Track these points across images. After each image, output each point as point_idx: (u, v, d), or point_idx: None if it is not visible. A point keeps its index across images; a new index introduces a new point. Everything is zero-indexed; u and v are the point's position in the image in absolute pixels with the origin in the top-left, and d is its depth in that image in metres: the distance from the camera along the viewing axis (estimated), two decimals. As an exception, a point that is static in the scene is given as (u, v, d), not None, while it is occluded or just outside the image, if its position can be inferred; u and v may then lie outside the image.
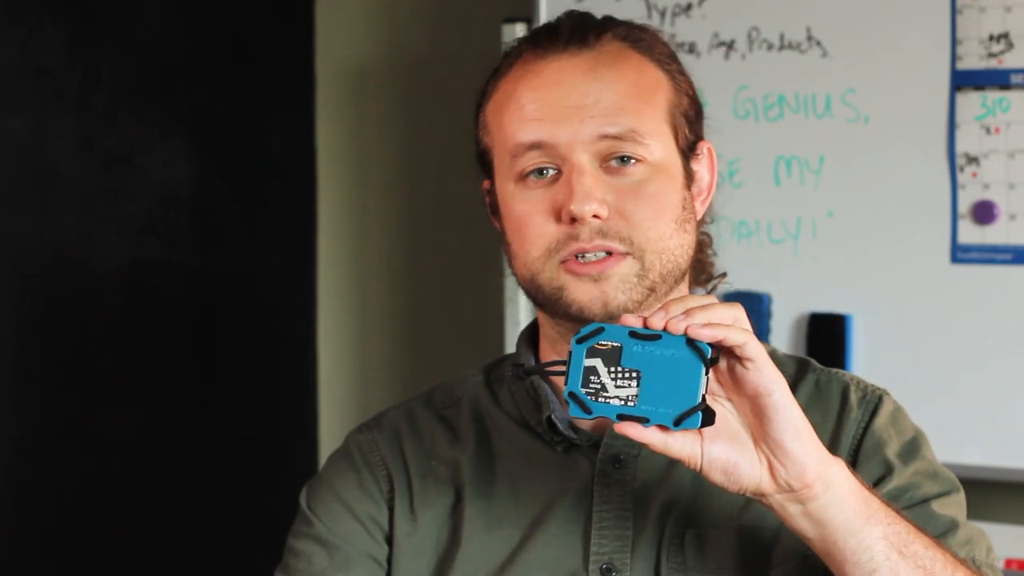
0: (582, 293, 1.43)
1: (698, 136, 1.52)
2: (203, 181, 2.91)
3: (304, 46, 3.14)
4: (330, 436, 3.12)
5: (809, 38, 2.53)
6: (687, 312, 1.27)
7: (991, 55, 2.40)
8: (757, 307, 2.55)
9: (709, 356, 1.26)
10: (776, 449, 1.28)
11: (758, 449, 1.29)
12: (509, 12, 2.73)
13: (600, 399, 1.28)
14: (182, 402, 2.89)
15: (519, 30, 2.64)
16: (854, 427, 1.49)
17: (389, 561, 1.51)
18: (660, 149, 1.46)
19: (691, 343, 1.26)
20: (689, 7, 2.62)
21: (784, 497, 1.30)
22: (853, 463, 1.46)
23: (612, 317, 1.40)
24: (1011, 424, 2.41)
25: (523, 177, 1.46)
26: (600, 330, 1.29)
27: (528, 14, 2.69)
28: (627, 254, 1.43)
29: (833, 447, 1.47)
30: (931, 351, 2.46)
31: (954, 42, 2.43)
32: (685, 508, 1.45)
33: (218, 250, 2.95)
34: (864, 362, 2.48)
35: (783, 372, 1.51)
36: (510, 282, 1.53)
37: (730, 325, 1.27)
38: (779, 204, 2.55)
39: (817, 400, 1.51)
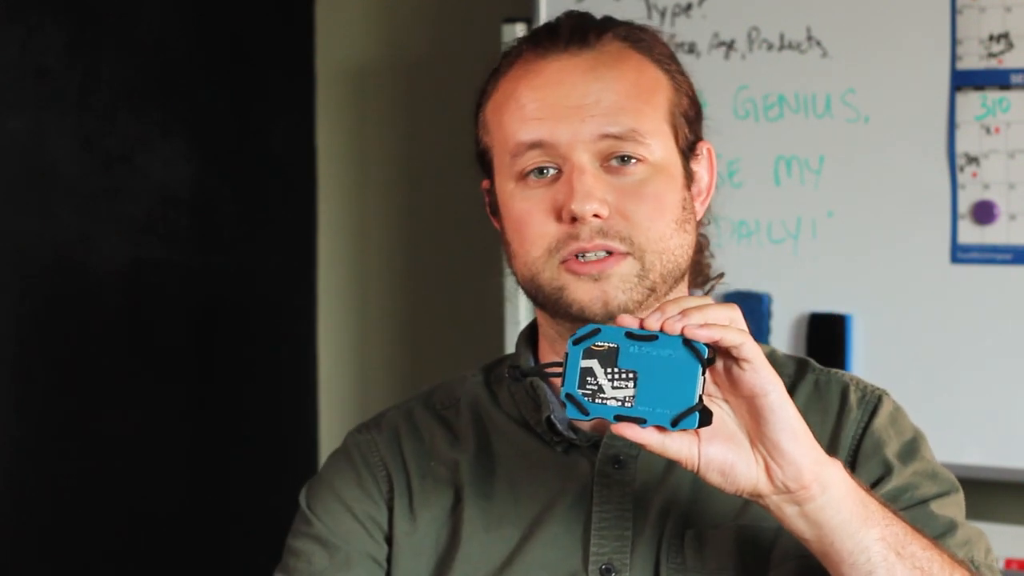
0: (582, 293, 1.44)
1: (698, 136, 1.52)
2: (203, 181, 2.91)
3: (304, 46, 3.14)
4: (330, 436, 3.12)
5: (809, 38, 2.53)
6: (683, 313, 1.27)
7: (991, 55, 2.40)
8: (757, 307, 2.55)
9: (706, 356, 1.26)
10: (772, 450, 1.28)
11: (755, 450, 1.29)
12: (509, 12, 2.73)
13: (597, 400, 1.28)
14: (182, 402, 2.89)
15: (519, 30, 2.64)
16: (853, 427, 1.48)
17: (388, 561, 1.51)
18: (660, 149, 1.46)
19: (687, 343, 1.26)
20: (689, 7, 2.62)
21: (781, 498, 1.30)
22: (852, 463, 1.46)
23: (612, 317, 1.40)
24: (1011, 424, 2.41)
25: (523, 176, 1.46)
26: (596, 331, 1.29)
27: (528, 14, 2.69)
28: (627, 254, 1.43)
29: (832, 447, 1.47)
30: (931, 351, 2.46)
31: (954, 42, 2.43)
32: (684, 508, 1.45)
33: (218, 250, 2.95)
34: (864, 362, 2.48)
35: (782, 372, 1.51)
36: (510, 282, 1.53)
37: (727, 326, 1.27)
38: (779, 204, 2.55)
39: (816, 400, 1.51)
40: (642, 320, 1.28)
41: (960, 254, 2.44)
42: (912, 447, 1.48)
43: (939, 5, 2.43)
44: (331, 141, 3.16)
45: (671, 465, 1.45)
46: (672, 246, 1.45)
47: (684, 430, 1.27)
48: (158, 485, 2.82)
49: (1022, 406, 2.40)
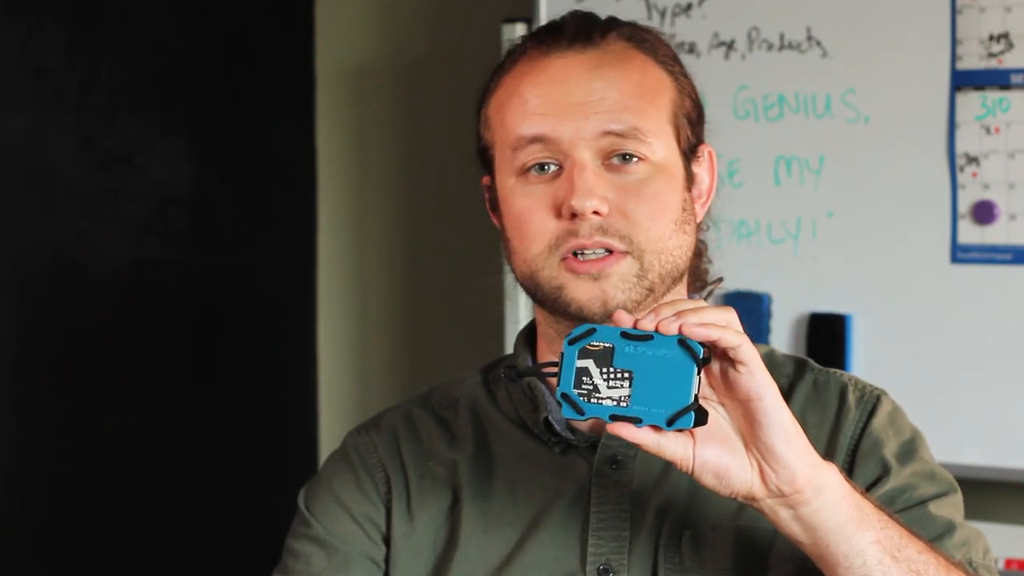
0: (581, 292, 1.44)
1: (699, 139, 1.52)
2: (203, 181, 2.91)
3: (304, 46, 3.14)
4: (330, 436, 3.12)
5: (809, 38, 2.53)
6: (679, 314, 1.27)
7: (991, 55, 2.40)
8: (757, 307, 2.55)
9: (701, 356, 1.26)
10: (767, 453, 1.28)
11: (749, 454, 1.29)
12: (509, 12, 2.73)
13: (593, 400, 1.28)
14: (182, 402, 2.89)
15: (519, 30, 2.64)
16: (852, 427, 1.48)
17: (387, 562, 1.51)
18: (662, 149, 1.46)
19: (683, 343, 1.26)
20: (689, 7, 2.62)
21: (775, 501, 1.30)
22: (851, 463, 1.46)
23: (611, 316, 1.40)
24: (1011, 424, 2.41)
25: (524, 172, 1.46)
26: (592, 331, 1.29)
27: (528, 14, 2.69)
28: (627, 253, 1.43)
29: (831, 447, 1.47)
30: (931, 351, 2.46)
31: (954, 42, 2.43)
32: (682, 509, 1.45)
33: (218, 250, 2.95)
34: (864, 362, 2.48)
35: (781, 372, 1.52)
36: (509, 279, 1.53)
37: (724, 327, 1.27)
38: (779, 204, 2.55)
39: (815, 400, 1.51)
40: (637, 320, 1.28)
41: (960, 254, 2.44)
42: (910, 447, 1.48)
43: (939, 5, 2.43)
44: (331, 141, 3.16)
45: (669, 466, 1.44)
46: (671, 246, 1.45)
47: (680, 430, 1.27)
48: (158, 485, 2.82)
49: (1022, 406, 2.40)
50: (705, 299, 1.55)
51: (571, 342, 1.29)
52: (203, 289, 2.93)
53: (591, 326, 1.29)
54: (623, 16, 1.54)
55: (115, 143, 2.76)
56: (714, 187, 1.54)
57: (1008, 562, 2.43)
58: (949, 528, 1.43)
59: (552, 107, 1.45)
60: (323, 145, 3.16)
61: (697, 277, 1.55)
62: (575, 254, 1.43)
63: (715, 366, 1.29)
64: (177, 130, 2.87)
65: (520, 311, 2.59)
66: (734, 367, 1.27)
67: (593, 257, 1.43)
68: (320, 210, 3.16)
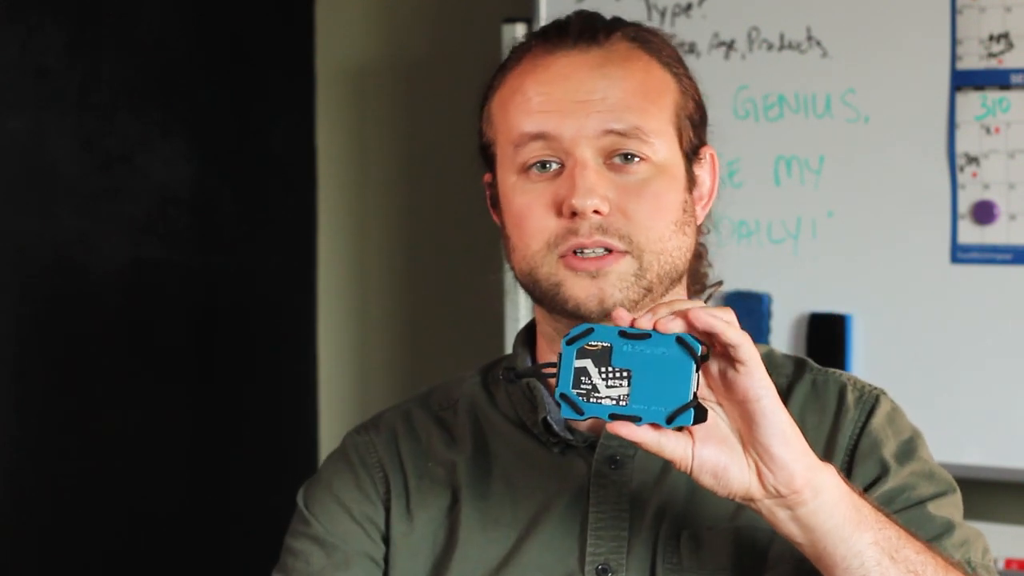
0: (579, 289, 1.44)
1: (702, 141, 1.52)
2: (203, 181, 2.91)
3: (304, 46, 3.14)
4: (330, 436, 3.12)
5: (809, 38, 2.53)
6: (677, 312, 1.27)
7: (991, 55, 2.40)
8: (757, 307, 2.55)
9: (699, 353, 1.26)
10: (764, 454, 1.28)
11: (747, 454, 1.29)
12: (509, 12, 2.73)
13: (592, 399, 1.28)
14: (182, 402, 2.89)
15: (519, 30, 2.64)
16: (851, 427, 1.48)
17: (386, 561, 1.51)
18: (664, 150, 1.46)
19: (681, 341, 1.26)
20: (689, 7, 2.62)
21: (772, 502, 1.30)
22: (849, 463, 1.46)
23: (608, 315, 1.40)
24: (1011, 424, 2.41)
25: (525, 169, 1.46)
26: (590, 330, 1.29)
27: (528, 14, 2.69)
28: (626, 252, 1.43)
29: (830, 447, 1.47)
30: (931, 351, 2.46)
31: (954, 42, 2.43)
32: (681, 509, 1.45)
33: (218, 250, 2.95)
34: (864, 362, 2.48)
35: (780, 372, 1.52)
36: (508, 277, 1.53)
37: (728, 323, 1.27)
38: (779, 204, 2.55)
39: (814, 400, 1.51)
40: (634, 319, 1.28)
41: (960, 254, 2.44)
42: (909, 447, 1.48)
43: (939, 5, 2.43)
44: (331, 141, 3.16)
45: (668, 466, 1.45)
46: (670, 247, 1.45)
47: (679, 428, 1.27)
48: (158, 485, 2.83)
49: (1022, 406, 2.40)
50: (705, 302, 1.55)
51: (569, 342, 1.29)
52: (203, 289, 2.93)
53: (589, 326, 1.29)
54: (623, 16, 1.54)
55: (115, 143, 2.76)
56: (715, 189, 1.54)
57: (1008, 562, 2.43)
58: (948, 528, 1.43)
59: (555, 105, 1.45)
60: (323, 145, 3.16)
61: (696, 280, 1.55)
62: (574, 252, 1.43)
63: (713, 367, 1.29)
64: (177, 130, 2.87)
65: (520, 310, 2.59)
66: (733, 366, 1.27)
67: (592, 256, 1.43)
68: (320, 210, 3.16)
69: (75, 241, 2.70)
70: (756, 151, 2.56)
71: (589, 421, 1.48)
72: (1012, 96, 2.39)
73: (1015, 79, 2.39)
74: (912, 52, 2.46)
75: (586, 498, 1.47)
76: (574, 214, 1.43)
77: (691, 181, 1.50)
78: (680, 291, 1.51)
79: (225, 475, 2.96)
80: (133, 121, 2.79)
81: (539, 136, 1.45)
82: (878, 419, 1.49)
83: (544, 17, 2.64)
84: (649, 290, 1.44)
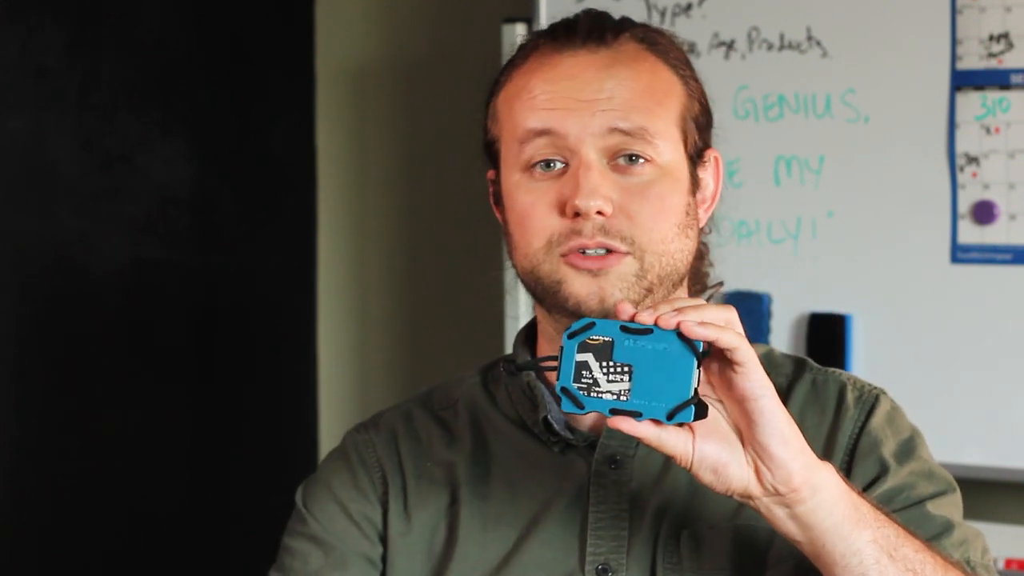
0: (580, 287, 1.43)
1: (707, 143, 1.52)
2: (203, 181, 2.91)
3: (304, 46, 3.14)
4: (330, 436, 3.12)
5: (809, 38, 2.53)
6: (679, 310, 1.27)
7: (991, 55, 2.40)
8: (757, 307, 2.55)
9: (701, 349, 1.26)
10: (762, 453, 1.28)
11: (746, 452, 1.29)
12: (509, 12, 2.73)
13: (592, 394, 1.28)
14: (182, 402, 2.89)
15: (519, 30, 2.64)
16: (850, 426, 1.48)
17: (384, 561, 1.51)
18: (669, 151, 1.46)
19: (683, 337, 1.26)
20: (689, 7, 2.62)
21: (771, 500, 1.30)
22: (849, 462, 1.46)
23: (608, 314, 1.40)
24: (1011, 424, 2.41)
25: (530, 167, 1.46)
26: (591, 325, 1.29)
27: (528, 14, 2.69)
28: (627, 253, 1.43)
29: (829, 446, 1.47)
30: (931, 351, 2.46)
31: (954, 42, 2.43)
32: (681, 508, 1.45)
33: (218, 250, 2.95)
34: (864, 362, 2.48)
35: (780, 372, 1.52)
36: (509, 275, 1.53)
37: (723, 327, 1.27)
38: (779, 204, 2.55)
39: (814, 400, 1.51)
40: (635, 314, 1.28)
41: (960, 254, 2.44)
42: (909, 446, 1.48)
43: (939, 5, 2.43)
44: (331, 141, 3.16)
45: (668, 465, 1.45)
46: (672, 249, 1.45)
47: (680, 423, 1.27)
48: (158, 485, 2.82)
49: (1022, 406, 2.40)
50: (706, 301, 1.55)
51: (571, 336, 1.29)
52: (203, 289, 2.93)
53: (591, 320, 1.29)
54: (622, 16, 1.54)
55: (115, 143, 2.76)
56: (719, 193, 1.53)
57: (1008, 562, 2.43)
58: (947, 527, 1.43)
59: (561, 102, 1.45)
60: (323, 145, 3.16)
61: (697, 280, 1.55)
62: (576, 252, 1.43)
63: (714, 365, 1.29)
64: (177, 130, 2.87)
65: (520, 308, 2.58)
66: (731, 368, 1.27)
67: (594, 255, 1.43)
68: (320, 210, 3.16)
69: (75, 241, 2.70)
70: (756, 151, 2.56)
71: (589, 420, 1.48)
72: (1012, 96, 2.39)
73: (1015, 79, 2.39)
74: (912, 52, 2.46)
75: (586, 497, 1.47)
76: (577, 214, 1.43)
77: (695, 184, 1.49)
78: (681, 292, 1.50)
79: (225, 475, 2.96)
80: (133, 121, 2.79)
81: (544, 133, 1.45)
82: (878, 418, 1.49)
83: (544, 17, 2.64)
84: (650, 291, 1.44)
